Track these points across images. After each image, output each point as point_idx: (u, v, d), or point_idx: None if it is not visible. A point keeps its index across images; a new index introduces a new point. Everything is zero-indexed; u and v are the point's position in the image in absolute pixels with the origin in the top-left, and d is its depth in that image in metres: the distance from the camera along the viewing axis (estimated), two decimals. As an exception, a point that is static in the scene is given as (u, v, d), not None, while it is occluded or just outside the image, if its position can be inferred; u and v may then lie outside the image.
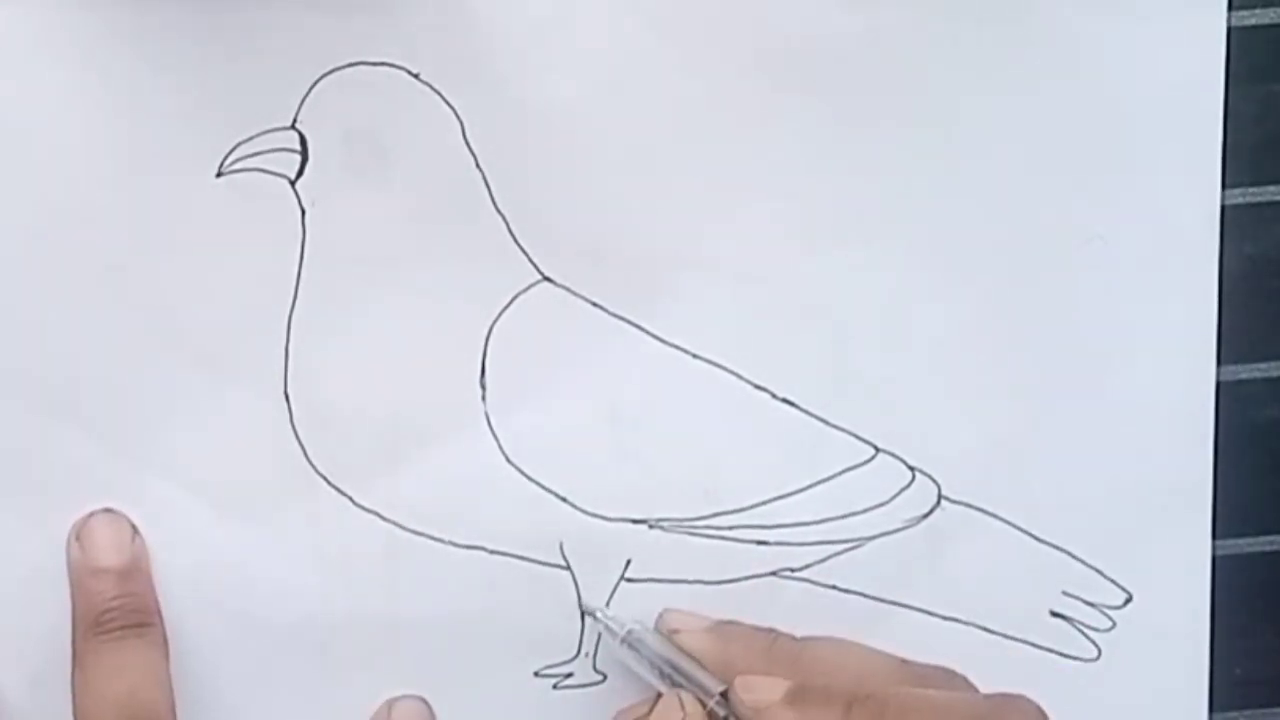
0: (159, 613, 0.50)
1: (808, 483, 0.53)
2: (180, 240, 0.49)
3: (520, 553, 0.52)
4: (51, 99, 0.48)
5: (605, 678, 0.52)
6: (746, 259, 0.52)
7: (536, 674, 0.53)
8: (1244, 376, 0.55)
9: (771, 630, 0.52)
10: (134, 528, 0.50)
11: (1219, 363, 0.54)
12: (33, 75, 0.48)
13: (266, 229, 0.50)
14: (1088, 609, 0.55)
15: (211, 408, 0.50)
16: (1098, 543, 0.54)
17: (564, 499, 0.52)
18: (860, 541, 0.53)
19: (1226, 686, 0.56)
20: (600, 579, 0.52)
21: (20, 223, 0.49)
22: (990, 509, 0.54)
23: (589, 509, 0.52)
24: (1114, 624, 0.55)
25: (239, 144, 0.49)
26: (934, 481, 0.53)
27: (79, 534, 0.50)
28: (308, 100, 0.49)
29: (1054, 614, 0.55)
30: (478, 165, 0.50)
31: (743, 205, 0.51)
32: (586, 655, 0.52)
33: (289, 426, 0.51)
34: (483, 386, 0.51)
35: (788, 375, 0.52)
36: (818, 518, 0.53)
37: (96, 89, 0.48)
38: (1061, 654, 0.55)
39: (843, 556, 0.53)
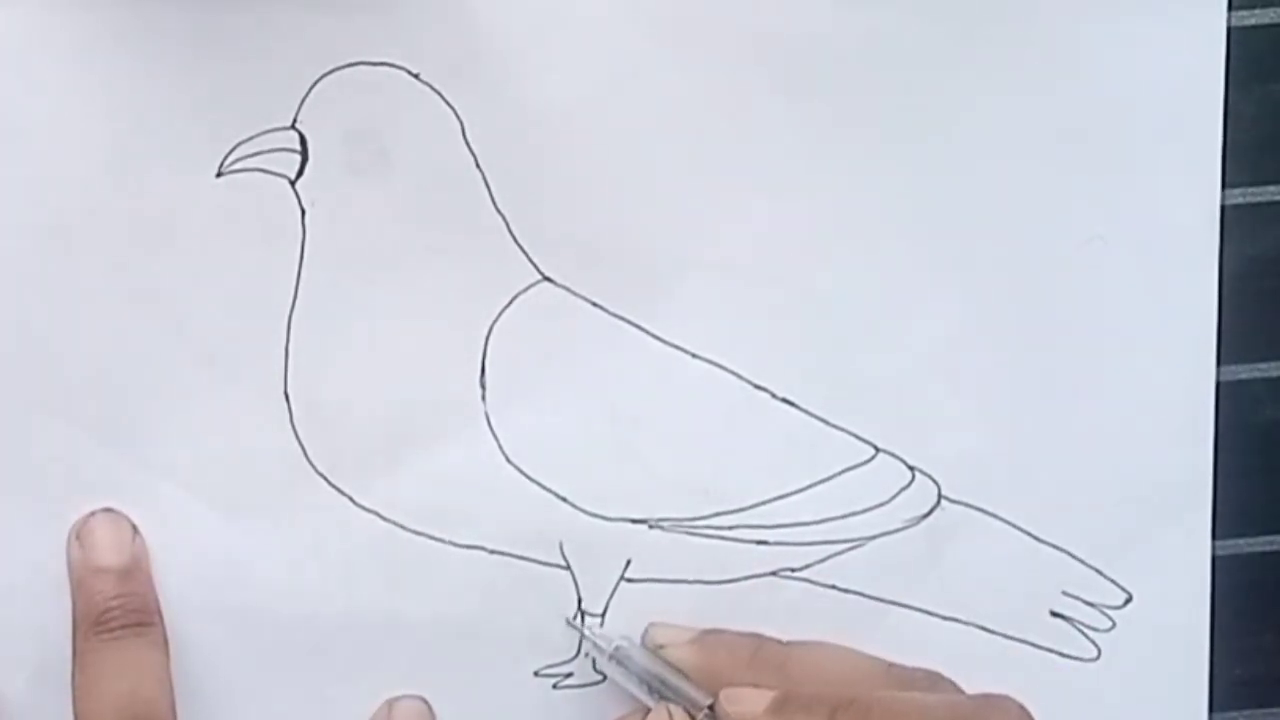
0: (159, 612, 0.50)
1: (808, 483, 0.53)
2: (180, 240, 0.49)
3: (520, 553, 0.52)
4: (51, 99, 0.48)
5: (605, 678, 0.52)
6: (746, 259, 0.52)
7: (536, 674, 0.53)
8: (1244, 377, 0.55)
9: (757, 636, 0.52)
10: (134, 527, 0.50)
11: (1219, 363, 0.54)
12: (33, 75, 0.48)
13: (266, 229, 0.50)
14: (1088, 609, 0.55)
15: (211, 407, 0.50)
16: (1097, 543, 0.54)
17: (564, 499, 0.52)
18: (860, 541, 0.53)
19: (1226, 686, 0.56)
20: (600, 579, 0.52)
21: (20, 222, 0.49)
22: (990, 509, 0.54)
23: (589, 509, 0.52)
24: (1114, 624, 0.55)
25: (239, 144, 0.49)
26: (934, 481, 0.53)
27: (79, 533, 0.50)
28: (308, 100, 0.49)
29: (1054, 614, 0.55)
30: (478, 165, 0.50)
31: (742, 205, 0.51)
32: (586, 655, 0.52)
33: (289, 426, 0.51)
34: (483, 386, 0.51)
35: (788, 375, 0.52)
36: (818, 517, 0.53)
37: (96, 89, 0.48)
38: (1061, 654, 0.55)
39: (843, 556, 0.53)
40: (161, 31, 0.48)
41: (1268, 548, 0.56)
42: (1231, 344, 0.54)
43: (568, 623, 0.52)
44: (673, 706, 0.49)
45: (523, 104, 0.50)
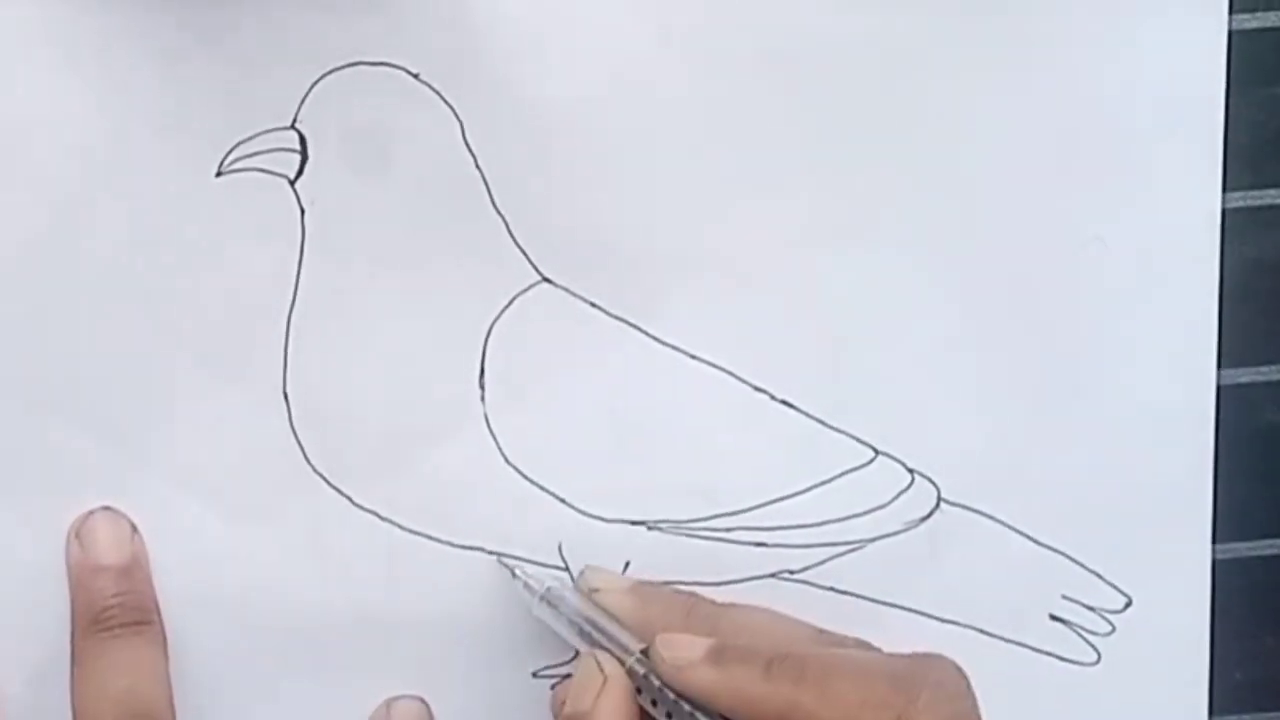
0: (158, 611, 0.50)
1: (807, 485, 0.53)
2: (180, 240, 0.50)
3: (519, 553, 0.52)
4: (51, 99, 0.48)
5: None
6: (746, 259, 0.52)
7: (536, 674, 0.53)
8: (1244, 380, 0.55)
9: (692, 594, 0.52)
10: (133, 526, 0.50)
11: (1219, 366, 0.54)
12: (32, 75, 0.48)
13: (266, 229, 0.50)
14: (1087, 613, 0.55)
15: (211, 408, 0.50)
16: (1097, 546, 0.54)
17: (563, 500, 0.52)
18: (859, 544, 0.53)
19: (1227, 690, 0.56)
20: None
21: (20, 223, 0.49)
22: (990, 512, 0.54)
23: (588, 510, 0.52)
24: (1114, 628, 0.55)
25: (239, 144, 0.49)
26: (933, 484, 0.53)
27: (79, 532, 0.50)
28: (308, 100, 0.49)
29: (1053, 617, 0.54)
30: (477, 165, 0.50)
31: (743, 205, 0.51)
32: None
33: (289, 426, 0.51)
34: (482, 387, 0.51)
35: (787, 376, 0.52)
36: (817, 520, 0.53)
37: (96, 89, 0.48)
38: (1061, 658, 0.55)
39: (842, 559, 0.53)
40: (161, 31, 0.48)
41: (1268, 551, 0.56)
42: (1232, 347, 0.54)
43: (499, 561, 0.52)
44: (602, 654, 0.49)
45: (523, 104, 0.50)
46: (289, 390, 0.51)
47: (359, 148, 0.50)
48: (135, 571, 0.50)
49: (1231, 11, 0.52)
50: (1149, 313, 0.53)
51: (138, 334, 0.50)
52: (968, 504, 0.54)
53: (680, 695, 0.47)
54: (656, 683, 0.48)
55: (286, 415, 0.51)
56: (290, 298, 0.50)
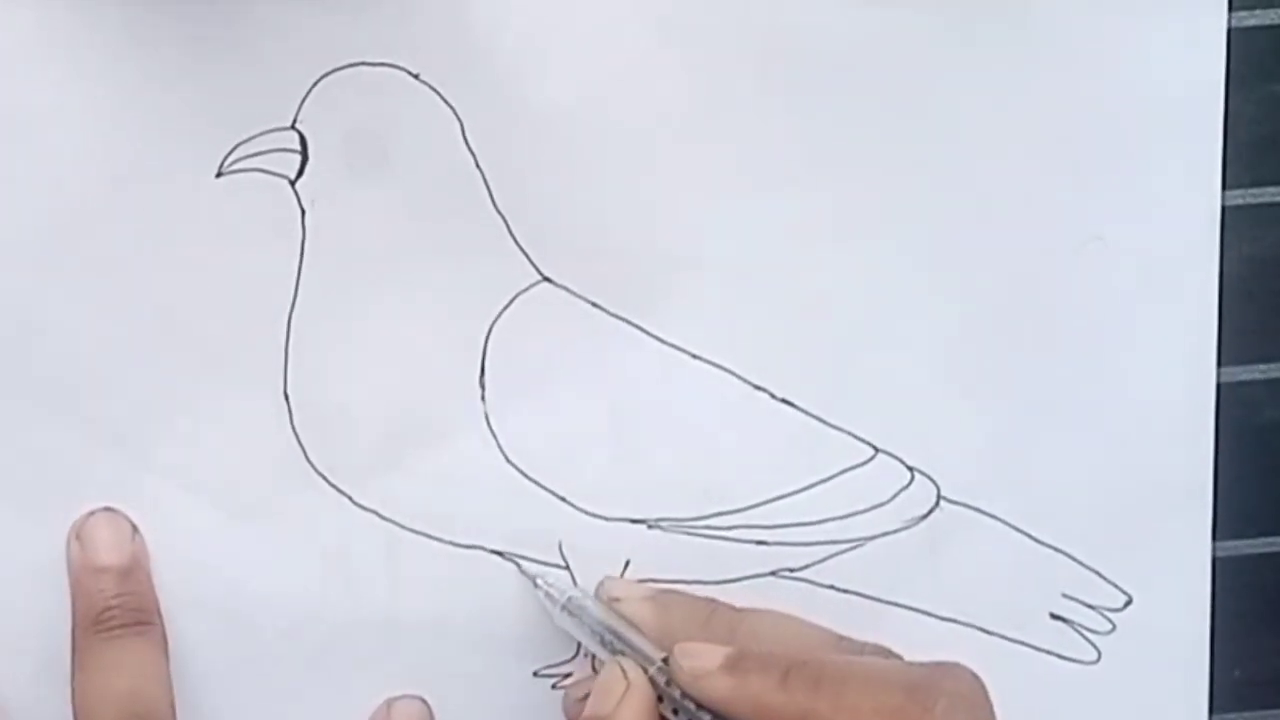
0: (159, 612, 0.50)
1: (807, 483, 0.53)
2: (180, 240, 0.49)
3: (520, 552, 0.52)
4: (52, 99, 0.48)
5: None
6: (746, 259, 0.52)
7: (536, 674, 0.53)
8: (1244, 378, 0.55)
9: (711, 600, 0.52)
10: (134, 527, 0.50)
11: (1219, 364, 0.54)
12: (33, 75, 0.48)
13: (266, 229, 0.50)
14: (1087, 611, 0.55)
15: (211, 408, 0.50)
16: (1097, 545, 0.54)
17: (563, 498, 0.52)
18: (859, 542, 0.53)
19: (1227, 688, 0.56)
20: (599, 579, 0.52)
21: (20, 223, 0.49)
22: (989, 510, 0.54)
23: (588, 508, 0.52)
24: (1114, 626, 0.55)
25: (239, 144, 0.49)
26: (933, 482, 0.53)
27: (79, 533, 0.50)
28: (308, 100, 0.49)
29: (1054, 616, 0.55)
30: (478, 165, 0.50)
31: (742, 205, 0.51)
32: (586, 655, 0.52)
33: (289, 426, 0.51)
34: (482, 386, 0.51)
35: (787, 375, 0.52)
36: (817, 518, 0.53)
37: (97, 89, 0.48)
38: (1061, 656, 0.55)
39: (842, 557, 0.53)
40: (161, 31, 0.48)
41: (1268, 549, 0.56)
42: (1232, 345, 0.54)
43: (520, 570, 0.52)
44: (626, 661, 0.49)
45: (523, 104, 0.50)
46: (289, 390, 0.51)
47: (359, 148, 0.50)
48: (136, 572, 0.50)
49: (1231, 9, 0.52)
50: (1149, 311, 0.53)
51: (138, 334, 0.50)
52: (968, 502, 0.54)
53: (699, 704, 0.47)
54: (677, 692, 0.48)
55: (287, 415, 0.51)
56: (291, 298, 0.50)
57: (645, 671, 0.48)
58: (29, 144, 0.48)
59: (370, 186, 0.50)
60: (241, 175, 0.49)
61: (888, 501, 0.53)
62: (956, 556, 0.54)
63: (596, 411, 0.52)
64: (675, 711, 0.48)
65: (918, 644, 0.51)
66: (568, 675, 0.53)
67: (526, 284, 0.51)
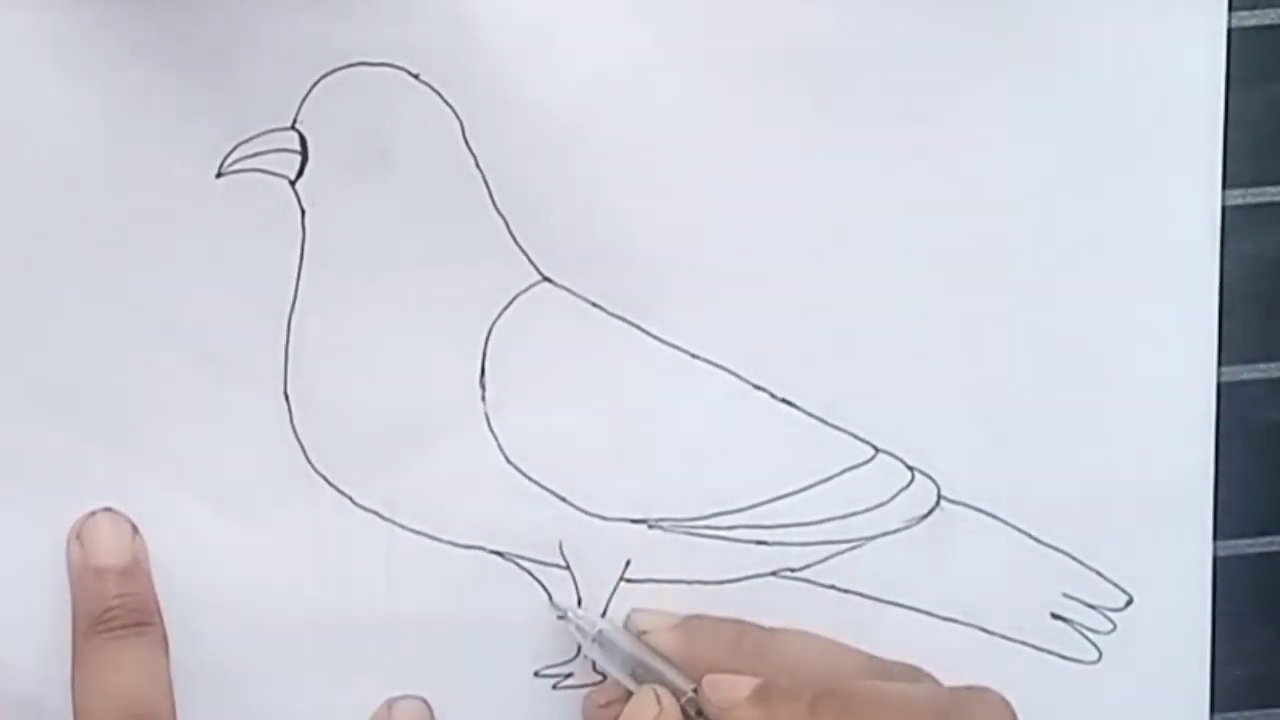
0: (159, 612, 0.50)
1: (807, 483, 0.53)
2: (180, 240, 0.50)
3: (520, 552, 0.52)
4: (51, 99, 0.48)
5: (605, 678, 0.52)
6: (746, 259, 0.52)
7: (536, 674, 0.53)
8: (1245, 377, 0.55)
9: (739, 622, 0.52)
10: (134, 527, 0.50)
11: (1220, 364, 0.54)
12: (32, 75, 0.48)
13: (266, 229, 0.50)
14: (1088, 611, 0.55)
15: (211, 408, 0.50)
16: (1098, 544, 0.54)
17: (563, 499, 0.52)
18: (860, 542, 0.53)
19: (1228, 688, 0.56)
20: (600, 579, 0.52)
21: (20, 223, 0.49)
22: (990, 509, 0.54)
23: (588, 509, 0.52)
24: (1115, 626, 0.55)
25: (239, 144, 0.49)
26: (933, 482, 0.53)
27: (79, 533, 0.50)
28: (308, 100, 0.49)
29: (1054, 616, 0.54)
30: (478, 165, 0.50)
31: (742, 205, 0.51)
32: (586, 655, 0.52)
33: (289, 426, 0.51)
34: (482, 386, 0.51)
35: (787, 375, 0.52)
36: (817, 518, 0.53)
37: (96, 89, 0.48)
38: (1062, 656, 0.55)
39: (842, 556, 0.53)
40: (161, 31, 0.48)
41: (1268, 548, 0.56)
42: (1232, 345, 0.54)
43: (551, 604, 0.52)
44: (659, 688, 0.49)
45: (523, 104, 0.50)
46: (289, 390, 0.51)
47: (359, 148, 0.50)
48: (136, 573, 0.50)
49: (1231, 9, 0.52)
50: (1149, 310, 0.53)
51: (139, 335, 0.50)
52: (968, 502, 0.54)
53: None
54: None
55: (287, 415, 0.51)
56: (291, 298, 0.50)
57: (677, 700, 0.49)
58: (29, 144, 0.48)
59: (370, 186, 0.50)
60: (241, 175, 0.49)
61: (888, 501, 0.53)
62: (957, 556, 0.54)
63: (596, 412, 0.52)
64: None
65: (918, 644, 0.52)
66: (568, 675, 0.53)
67: (526, 284, 0.51)
